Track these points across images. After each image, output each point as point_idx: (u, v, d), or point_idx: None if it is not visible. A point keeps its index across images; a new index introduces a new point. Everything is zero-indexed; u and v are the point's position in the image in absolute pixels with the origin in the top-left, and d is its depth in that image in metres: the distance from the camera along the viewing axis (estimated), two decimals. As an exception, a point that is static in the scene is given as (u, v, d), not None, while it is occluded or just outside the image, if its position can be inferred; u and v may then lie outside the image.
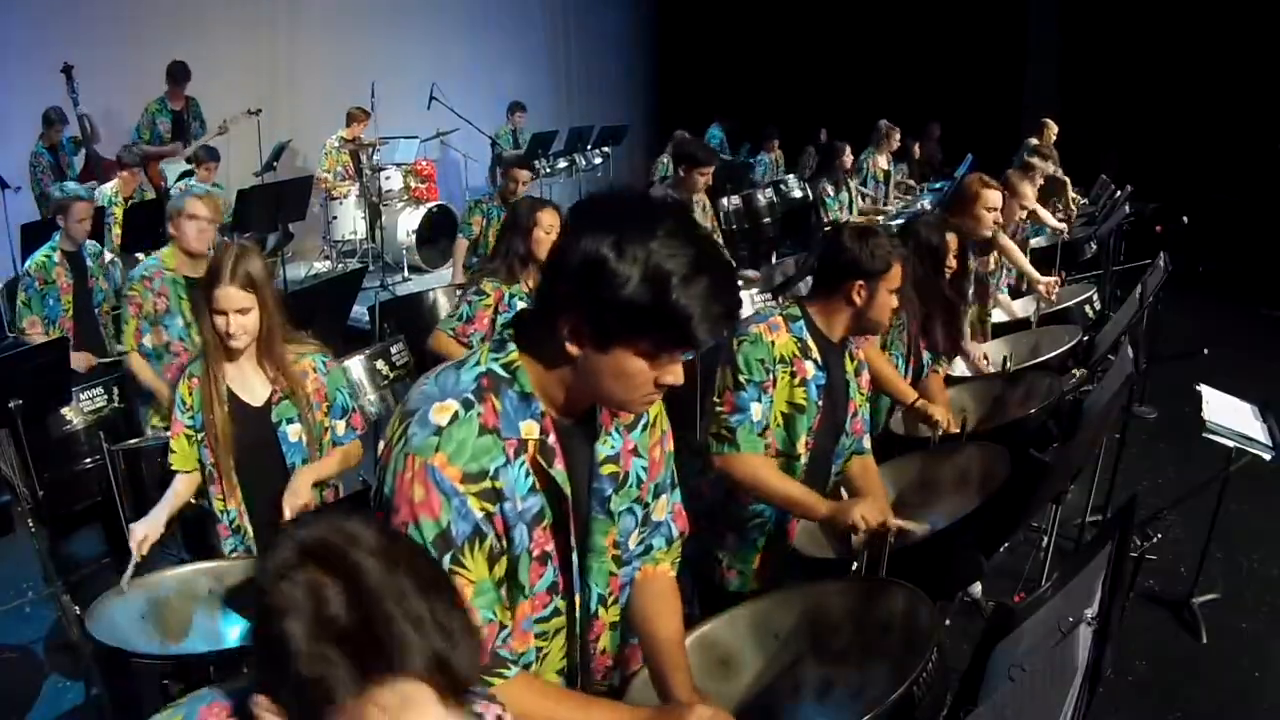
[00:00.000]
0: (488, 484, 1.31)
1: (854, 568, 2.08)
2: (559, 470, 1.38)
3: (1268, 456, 3.27)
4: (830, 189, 7.38)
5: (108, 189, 6.26)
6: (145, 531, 2.51)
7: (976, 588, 3.41)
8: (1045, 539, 3.27)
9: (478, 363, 1.36)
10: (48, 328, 4.36)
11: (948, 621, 2.54)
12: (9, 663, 3.43)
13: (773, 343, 2.26)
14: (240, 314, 2.46)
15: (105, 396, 3.56)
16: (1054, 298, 4.48)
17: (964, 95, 11.27)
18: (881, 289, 2.32)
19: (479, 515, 1.30)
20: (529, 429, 1.34)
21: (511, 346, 1.37)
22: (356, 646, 0.86)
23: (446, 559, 1.28)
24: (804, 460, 2.33)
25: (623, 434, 1.49)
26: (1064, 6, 11.31)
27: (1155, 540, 3.31)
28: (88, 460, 3.42)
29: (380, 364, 3.80)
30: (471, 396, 1.32)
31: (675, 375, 1.31)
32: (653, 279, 1.20)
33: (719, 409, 2.26)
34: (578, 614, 1.49)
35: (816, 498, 2.21)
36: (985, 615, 3.32)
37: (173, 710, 1.06)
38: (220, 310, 2.45)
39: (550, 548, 1.41)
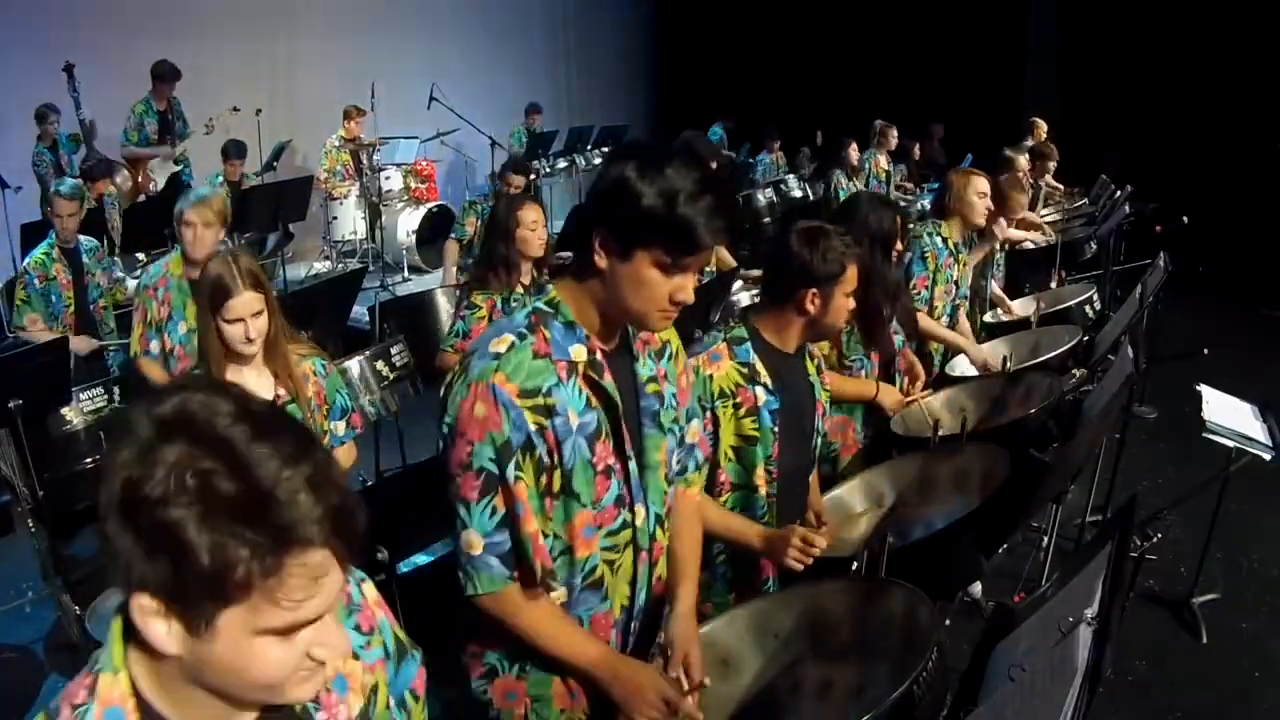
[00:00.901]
0: (541, 400, 1.49)
1: (854, 568, 2.07)
2: (609, 382, 1.56)
3: (1268, 456, 3.27)
4: (844, 179, 7.39)
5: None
6: None
7: (976, 588, 3.41)
8: (1045, 539, 3.27)
9: (526, 306, 1.58)
10: (50, 323, 4.41)
11: (948, 621, 2.54)
12: (9, 663, 3.43)
13: (710, 376, 2.14)
14: (255, 317, 2.44)
15: (105, 396, 3.56)
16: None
17: (964, 95, 11.27)
18: (836, 294, 2.20)
19: (532, 427, 1.48)
20: (578, 352, 1.54)
21: (550, 288, 1.58)
22: (256, 525, 0.78)
23: (510, 466, 1.48)
24: (765, 490, 2.21)
25: (655, 361, 1.68)
26: (1064, 6, 11.31)
27: (1155, 540, 3.32)
28: (88, 460, 3.42)
29: (380, 364, 3.80)
30: (525, 329, 1.52)
31: (686, 292, 1.49)
32: (665, 194, 1.43)
33: None
34: (641, 530, 1.63)
35: (749, 529, 2.11)
36: (985, 615, 3.32)
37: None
38: (236, 318, 2.41)
39: (613, 461, 1.58)
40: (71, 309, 4.48)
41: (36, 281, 4.40)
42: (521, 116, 10.15)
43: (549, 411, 1.49)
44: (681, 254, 1.46)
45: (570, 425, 1.51)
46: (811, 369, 2.35)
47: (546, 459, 1.51)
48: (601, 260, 1.49)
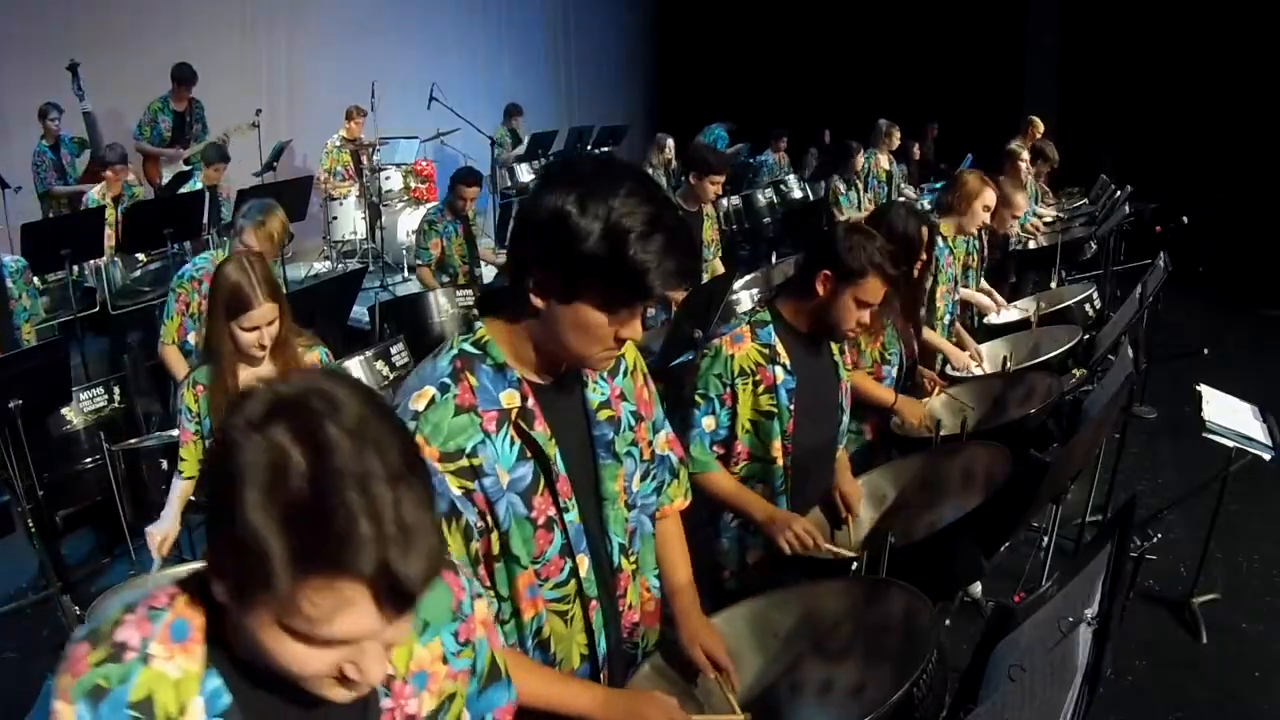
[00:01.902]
0: (465, 462, 1.36)
1: (854, 568, 2.08)
2: (539, 432, 1.42)
3: (1268, 456, 3.27)
4: (842, 186, 7.39)
5: (94, 193, 6.24)
6: (165, 532, 2.58)
7: (976, 588, 3.41)
8: (1045, 539, 3.27)
9: (450, 348, 1.43)
10: None
11: (948, 621, 2.54)
12: (9, 663, 3.43)
13: (732, 356, 2.25)
14: (269, 325, 2.48)
15: (105, 396, 3.56)
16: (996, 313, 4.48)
17: (963, 95, 11.28)
18: (848, 292, 2.24)
19: (456, 493, 1.35)
20: (509, 398, 1.40)
21: (479, 324, 1.44)
22: (305, 532, 0.79)
23: None
24: (782, 462, 2.30)
25: (608, 381, 1.55)
26: (1063, 6, 11.32)
27: (1155, 540, 3.32)
28: (88, 460, 3.42)
29: (380, 364, 3.81)
30: (447, 380, 1.38)
31: (633, 330, 1.37)
32: (612, 233, 1.27)
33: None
34: (586, 579, 1.51)
35: (755, 502, 2.23)
36: (985, 615, 3.32)
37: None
38: (254, 327, 2.45)
39: (553, 513, 1.45)
40: None
41: None
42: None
43: (475, 473, 1.36)
44: (629, 301, 1.32)
45: (500, 484, 1.38)
46: (835, 349, 2.42)
47: (479, 522, 1.38)
48: (538, 301, 1.34)
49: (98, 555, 3.90)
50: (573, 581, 1.50)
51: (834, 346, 2.42)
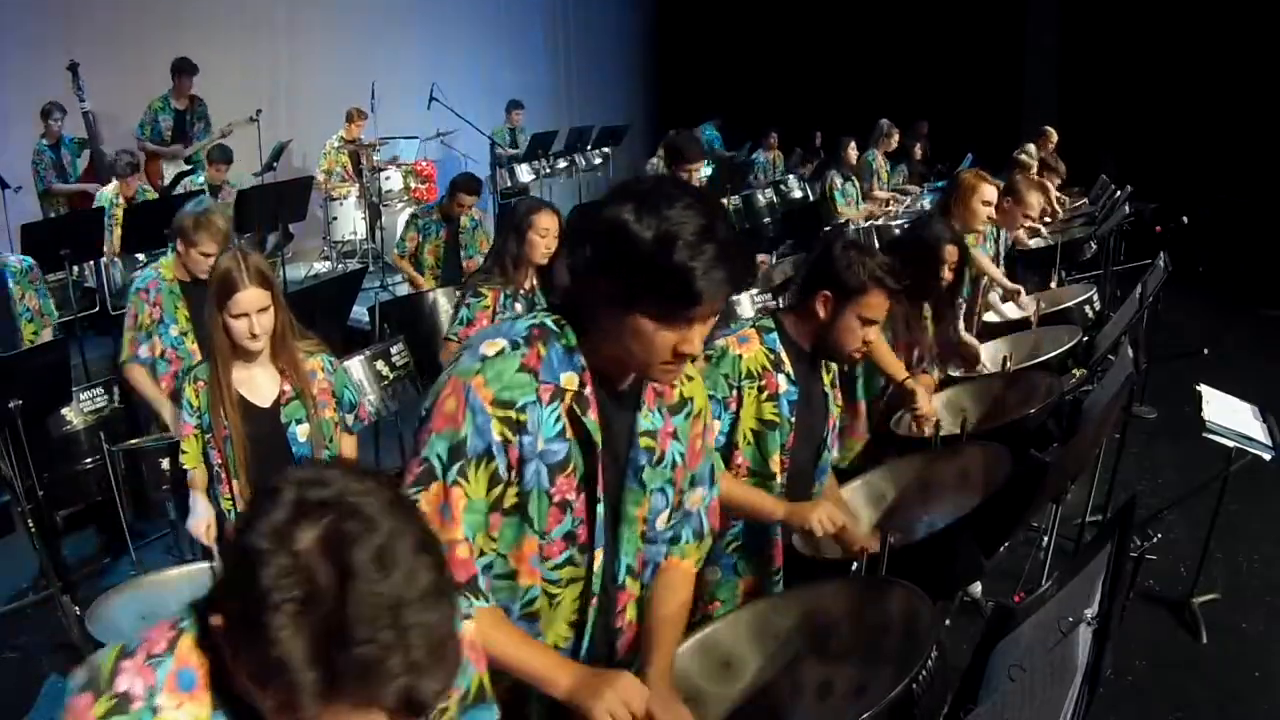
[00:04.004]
0: (513, 414, 1.41)
1: (854, 568, 2.08)
2: (591, 420, 1.46)
3: (1268, 456, 3.27)
4: (839, 180, 7.39)
5: (108, 191, 6.25)
6: (205, 520, 2.63)
7: (976, 588, 3.41)
8: (1045, 539, 3.27)
9: (534, 316, 1.49)
10: None
11: (948, 621, 2.54)
12: (9, 663, 3.43)
13: (739, 356, 2.17)
14: (261, 313, 2.48)
15: (105, 396, 3.56)
16: (1028, 309, 4.46)
17: (963, 95, 11.28)
18: (849, 312, 2.20)
19: (496, 439, 1.40)
20: (569, 380, 1.44)
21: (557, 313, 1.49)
22: (335, 662, 0.80)
23: (454, 468, 1.39)
24: (780, 480, 2.24)
25: (665, 415, 1.57)
26: (1063, 6, 11.32)
27: (1155, 540, 3.31)
28: (88, 460, 3.42)
29: (380, 364, 3.80)
30: (521, 340, 1.44)
31: (691, 345, 1.39)
32: (663, 240, 1.31)
33: None
34: (595, 575, 1.52)
35: (773, 500, 2.17)
36: (985, 615, 3.32)
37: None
38: (242, 313, 2.46)
39: (573, 497, 1.47)
40: None
41: None
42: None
43: (519, 427, 1.41)
44: (678, 308, 1.34)
45: (535, 447, 1.43)
46: (826, 380, 2.36)
47: (504, 473, 1.42)
48: (599, 310, 1.41)
49: (98, 555, 3.90)
50: (569, 567, 1.51)
51: (826, 379, 2.35)
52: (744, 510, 2.20)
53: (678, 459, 1.58)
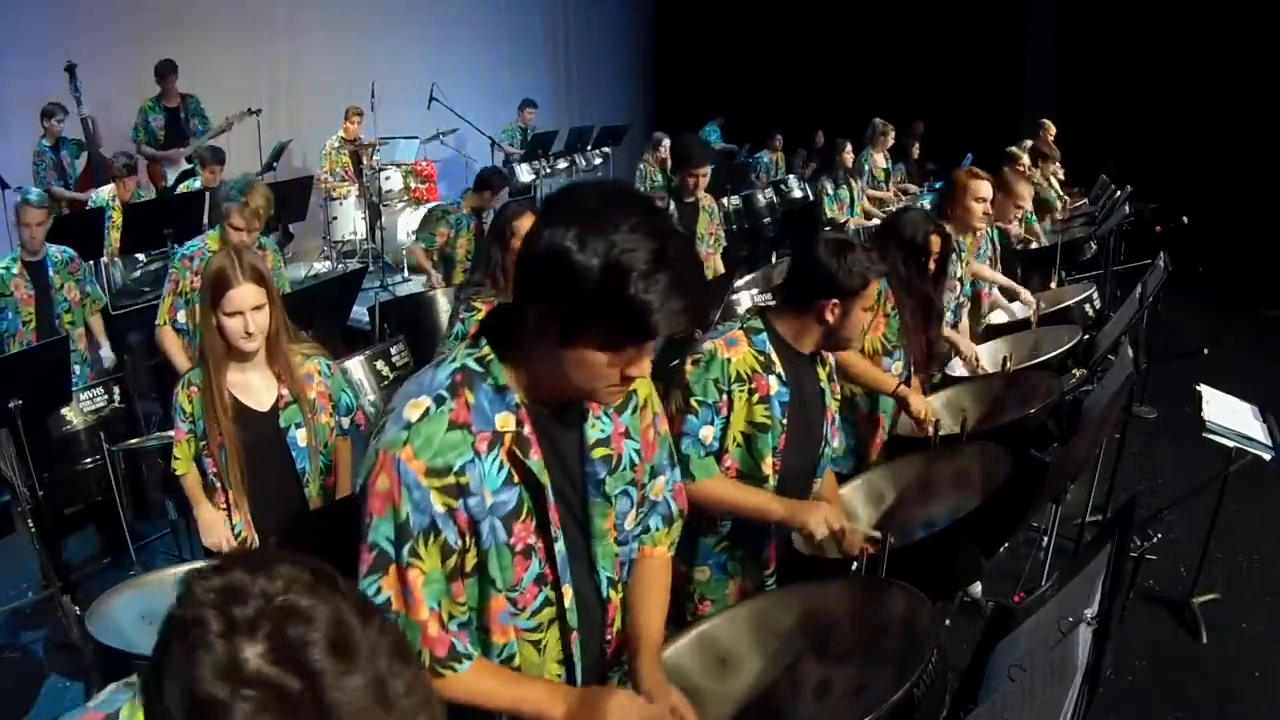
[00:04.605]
0: (452, 479, 1.33)
1: (854, 568, 2.08)
2: (535, 460, 1.38)
3: (1268, 456, 3.27)
4: (830, 186, 7.39)
5: (105, 192, 6.25)
6: (212, 522, 2.58)
7: (976, 588, 3.41)
8: (1045, 539, 3.27)
9: (454, 359, 1.39)
10: (5, 342, 4.16)
11: (948, 621, 2.54)
12: (9, 663, 3.43)
13: (728, 360, 2.14)
14: (256, 311, 2.41)
15: (105, 396, 3.56)
16: (1032, 306, 4.45)
17: (964, 95, 11.28)
18: (855, 308, 2.22)
19: (439, 510, 1.32)
20: (504, 421, 1.36)
21: (484, 342, 1.39)
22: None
23: (405, 550, 1.32)
24: (772, 482, 2.22)
25: (613, 417, 1.50)
26: (1063, 6, 11.32)
27: (1155, 540, 3.31)
28: (88, 460, 3.42)
29: (380, 364, 3.80)
30: (445, 393, 1.34)
31: (640, 368, 1.32)
32: (612, 272, 1.20)
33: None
34: (570, 610, 1.48)
35: (773, 500, 2.15)
36: (985, 615, 3.32)
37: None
38: (235, 311, 2.39)
39: (533, 540, 1.41)
40: (32, 325, 4.18)
41: None
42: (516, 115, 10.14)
43: (461, 491, 1.33)
44: (632, 342, 1.27)
45: (485, 505, 1.35)
46: (823, 375, 2.34)
47: (457, 541, 1.35)
48: (540, 338, 1.30)
49: (98, 555, 3.90)
50: (548, 609, 1.47)
51: (822, 372, 2.34)
52: (742, 511, 2.19)
53: (634, 457, 1.53)
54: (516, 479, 1.38)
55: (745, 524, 2.26)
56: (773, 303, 2.43)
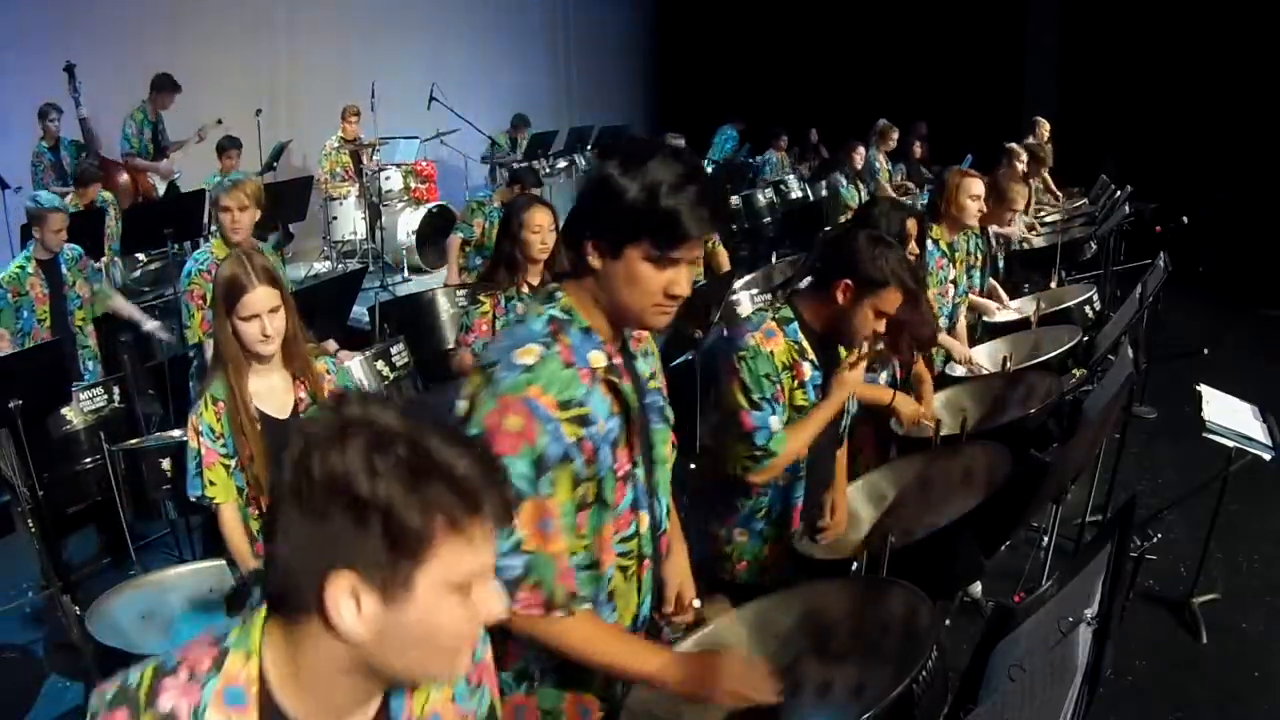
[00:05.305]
0: (576, 410, 1.47)
1: (854, 568, 2.08)
2: (627, 386, 1.56)
3: (1268, 456, 3.27)
4: (844, 181, 7.40)
5: (66, 200, 6.22)
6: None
7: (976, 588, 3.41)
8: (1045, 539, 3.26)
9: (539, 314, 1.54)
10: (21, 340, 4.19)
11: (948, 621, 2.54)
12: (9, 663, 3.43)
13: (772, 352, 2.26)
14: (272, 313, 2.34)
15: (105, 396, 3.56)
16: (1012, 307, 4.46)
17: (963, 95, 11.28)
18: (867, 303, 2.26)
19: (570, 440, 1.46)
20: (595, 359, 1.53)
21: (560, 294, 1.56)
22: (447, 492, 0.89)
23: (544, 480, 1.44)
24: (805, 459, 2.35)
25: (647, 359, 1.71)
26: (1063, 6, 11.32)
27: (1155, 540, 3.32)
28: (88, 460, 3.41)
29: (380, 364, 3.81)
30: (548, 339, 1.50)
31: (680, 285, 1.49)
32: (648, 186, 1.43)
33: (739, 432, 2.25)
34: (644, 536, 1.63)
35: (831, 403, 2.33)
36: (985, 615, 3.32)
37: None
38: (252, 315, 2.32)
39: (629, 467, 1.57)
40: (47, 323, 4.25)
41: (9, 296, 4.18)
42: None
43: (584, 421, 1.48)
44: (668, 245, 1.46)
45: (600, 433, 1.50)
46: (842, 351, 2.43)
47: (584, 470, 1.49)
48: (595, 260, 1.50)
49: (98, 555, 3.90)
50: (634, 538, 1.61)
51: (841, 350, 2.42)
52: (823, 417, 2.31)
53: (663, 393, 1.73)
54: (616, 408, 1.54)
55: (779, 494, 2.39)
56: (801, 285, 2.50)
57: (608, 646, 1.53)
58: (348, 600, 0.89)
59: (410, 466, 0.88)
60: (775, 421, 2.24)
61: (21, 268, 4.25)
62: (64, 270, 4.35)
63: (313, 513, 0.89)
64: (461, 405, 1.49)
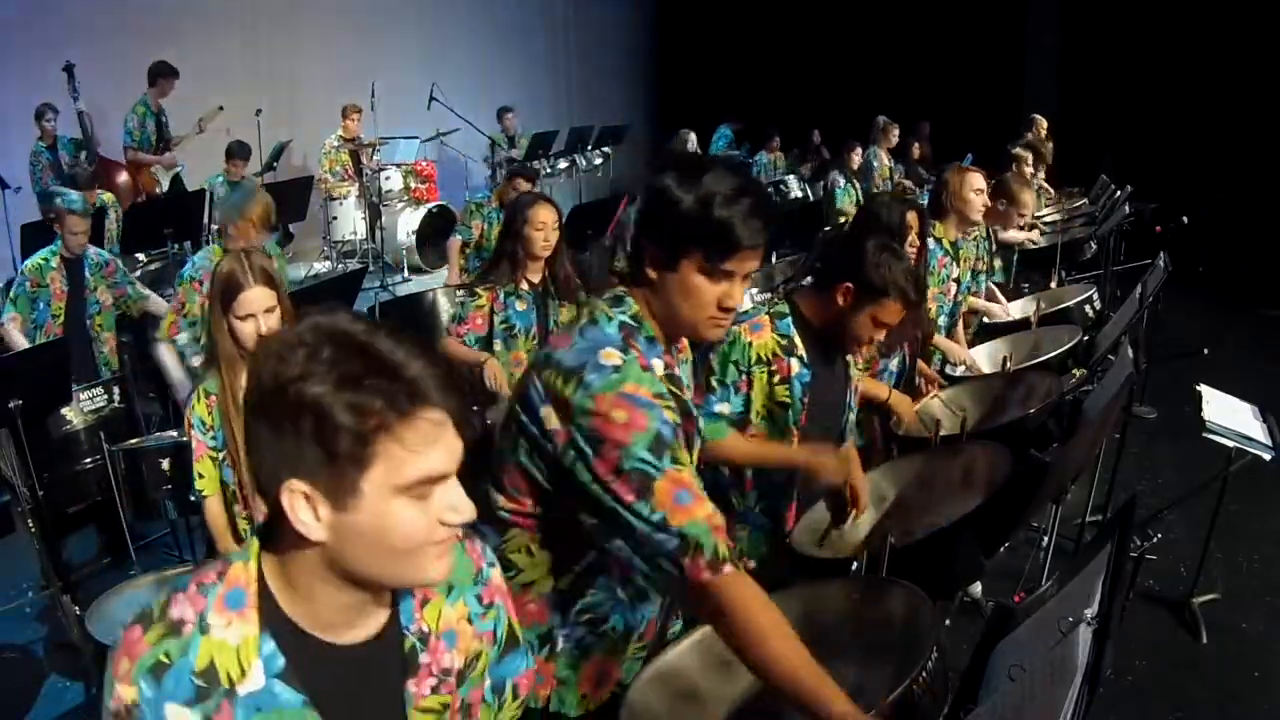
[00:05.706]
0: (666, 399, 1.52)
1: (854, 568, 2.08)
2: (688, 396, 1.64)
3: (1268, 456, 3.27)
4: (841, 180, 7.40)
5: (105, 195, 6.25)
6: None
7: (976, 588, 3.41)
8: (1045, 539, 3.26)
9: (610, 318, 1.58)
10: (33, 332, 4.23)
11: (948, 621, 2.54)
12: (9, 663, 3.43)
13: (750, 344, 2.29)
14: (267, 314, 2.36)
15: (105, 396, 3.56)
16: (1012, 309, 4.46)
17: (963, 95, 11.27)
18: (867, 309, 2.27)
19: (671, 421, 1.50)
20: (658, 367, 1.58)
21: (629, 300, 1.60)
22: (384, 384, 0.91)
23: (666, 458, 1.45)
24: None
25: (683, 368, 1.75)
26: (1063, 6, 11.32)
27: (1155, 540, 3.32)
28: (88, 460, 3.42)
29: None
30: (624, 344, 1.55)
31: (734, 298, 1.55)
32: (702, 199, 1.49)
33: None
34: None
35: (787, 450, 2.32)
36: (985, 615, 3.32)
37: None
38: (248, 314, 2.35)
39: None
40: (61, 319, 4.28)
41: (28, 285, 4.24)
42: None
43: (674, 410, 1.54)
44: (721, 256, 1.50)
45: (680, 421, 1.56)
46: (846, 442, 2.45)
47: (686, 447, 1.55)
48: (651, 272, 1.56)
49: (98, 555, 3.90)
50: None
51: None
52: (764, 464, 2.33)
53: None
54: (675, 415, 1.55)
55: (773, 488, 2.40)
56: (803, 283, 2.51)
57: (797, 658, 1.39)
58: (305, 506, 0.94)
59: (346, 368, 0.91)
60: (723, 407, 2.29)
61: (46, 260, 4.29)
62: (87, 274, 4.37)
63: (266, 420, 0.94)
64: (546, 414, 1.48)
